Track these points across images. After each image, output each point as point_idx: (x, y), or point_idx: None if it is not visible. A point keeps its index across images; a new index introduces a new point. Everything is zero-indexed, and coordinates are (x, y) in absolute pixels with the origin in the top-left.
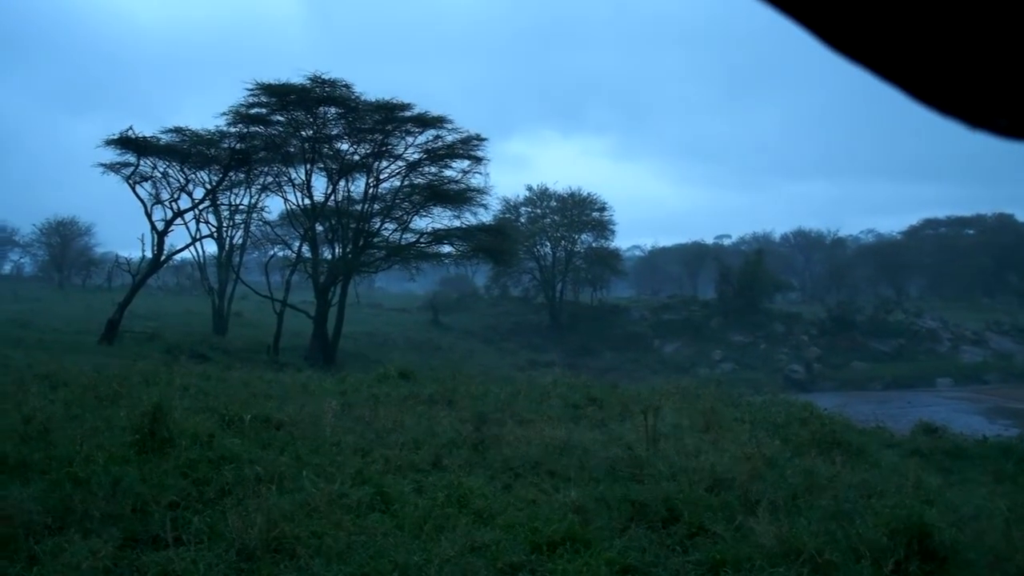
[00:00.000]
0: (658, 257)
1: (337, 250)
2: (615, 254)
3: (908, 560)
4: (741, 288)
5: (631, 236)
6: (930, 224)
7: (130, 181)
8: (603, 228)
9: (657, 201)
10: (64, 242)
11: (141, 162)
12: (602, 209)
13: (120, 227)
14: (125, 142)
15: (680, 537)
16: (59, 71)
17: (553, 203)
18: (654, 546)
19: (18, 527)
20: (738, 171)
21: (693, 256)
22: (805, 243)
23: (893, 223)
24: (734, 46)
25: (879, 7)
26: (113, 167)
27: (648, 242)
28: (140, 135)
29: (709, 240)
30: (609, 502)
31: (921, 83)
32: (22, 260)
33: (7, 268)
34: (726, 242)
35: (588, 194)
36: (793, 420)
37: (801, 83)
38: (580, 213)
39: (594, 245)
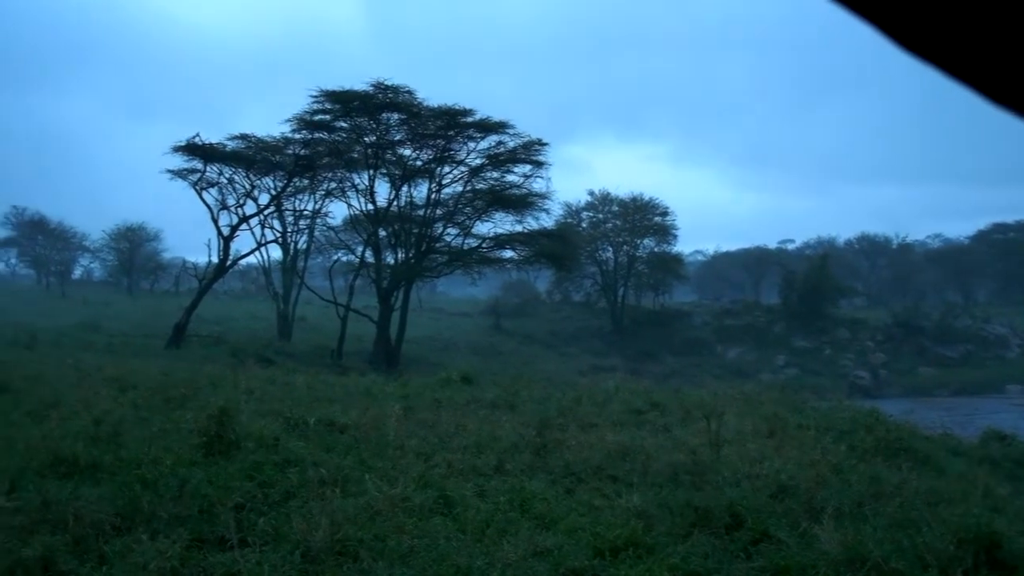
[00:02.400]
0: (720, 262)
1: (400, 255)
2: (677, 259)
3: (976, 570)
4: (805, 293)
5: (693, 241)
6: (999, 229)
7: (197, 187)
8: (665, 233)
9: (719, 206)
10: (132, 247)
11: (207, 168)
12: (664, 214)
13: (187, 232)
14: (192, 149)
15: (743, 543)
16: (127, 80)
17: (615, 208)
18: (717, 552)
19: (88, 527)
20: (802, 176)
21: (756, 261)
22: (870, 248)
23: (961, 228)
24: (798, 50)
25: (955, 6)
26: (180, 173)
27: (711, 247)
28: (206, 142)
29: (772, 245)
30: (672, 508)
31: (995, 84)
32: (92, 265)
33: (77, 273)
34: (790, 247)
35: (650, 199)
36: (858, 426)
37: (867, 86)
38: (642, 218)
39: (656, 250)
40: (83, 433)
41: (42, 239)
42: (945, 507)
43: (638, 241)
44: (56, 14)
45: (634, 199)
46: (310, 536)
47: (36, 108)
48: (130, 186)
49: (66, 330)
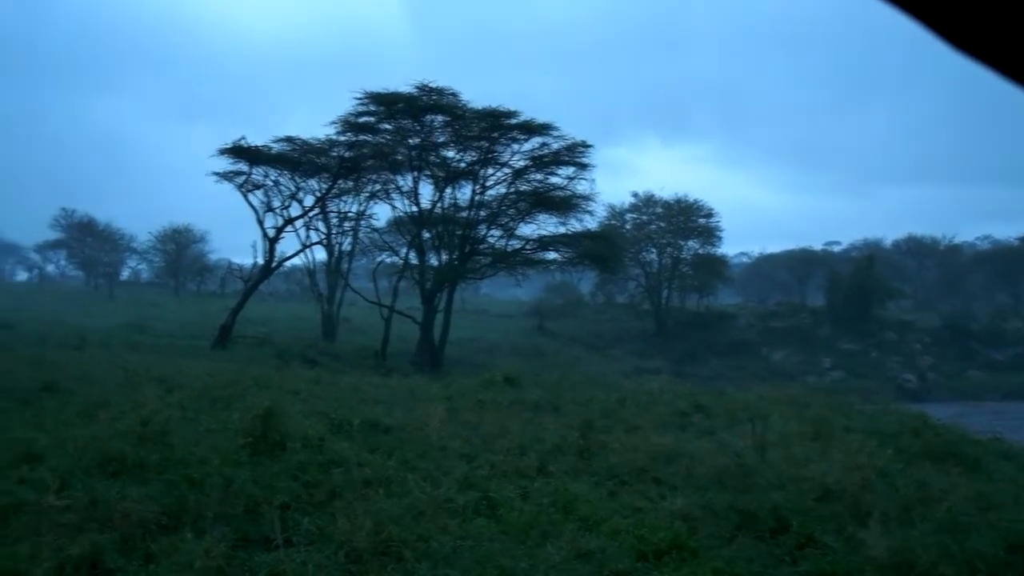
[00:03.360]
0: (765, 264)
1: (443, 257)
2: (722, 260)
3: None
4: (851, 295)
5: (738, 243)
6: None
7: (242, 189)
8: (710, 234)
9: (763, 207)
10: (179, 249)
11: (253, 171)
12: (708, 215)
13: (233, 234)
14: (238, 151)
15: (789, 547)
16: (175, 83)
17: (659, 209)
18: (762, 556)
19: (135, 526)
20: (848, 177)
21: (801, 263)
22: (918, 249)
23: (1011, 229)
24: (843, 49)
25: (1005, 4)
26: (226, 176)
27: (755, 249)
28: (252, 144)
29: (818, 246)
30: (716, 511)
31: None
32: (139, 267)
33: (125, 274)
34: (835, 249)
35: (694, 200)
36: (905, 430)
37: (913, 86)
38: (686, 219)
39: (700, 251)
40: (131, 433)
41: (91, 241)
42: (995, 512)
43: (682, 243)
44: (107, 19)
45: (678, 200)
46: (354, 536)
47: (85, 111)
48: (177, 188)
49: (114, 331)
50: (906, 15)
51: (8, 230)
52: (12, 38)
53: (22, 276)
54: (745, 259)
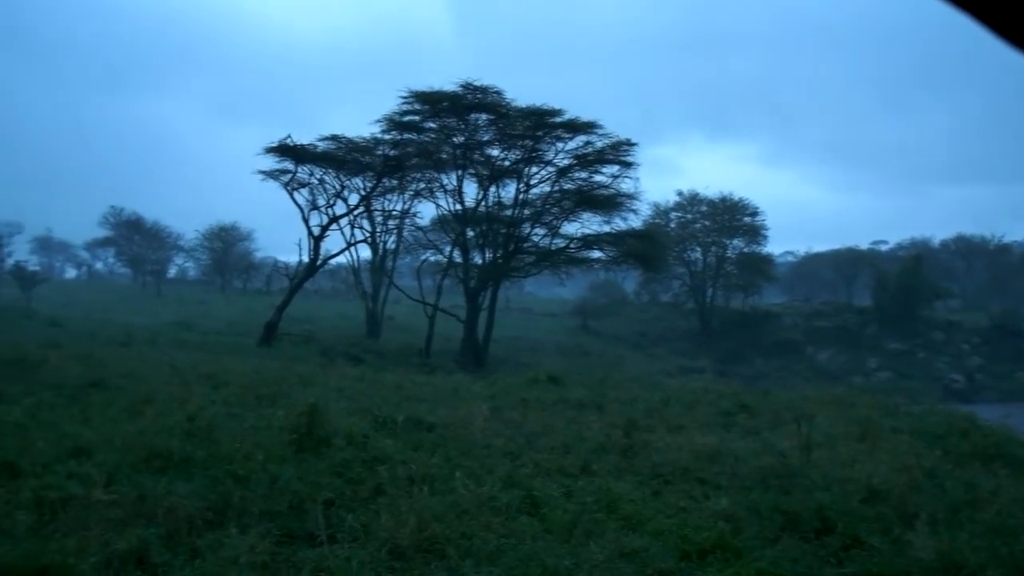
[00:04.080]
0: (811, 263)
1: (487, 255)
2: (767, 259)
3: None
4: (898, 295)
5: (783, 241)
6: None
7: (288, 188)
8: (755, 233)
9: (809, 206)
10: (226, 247)
11: (298, 169)
12: (754, 214)
13: (278, 232)
14: (283, 150)
15: (834, 549)
16: (222, 83)
17: (704, 208)
18: (807, 557)
19: (181, 521)
20: (895, 176)
21: (847, 262)
22: (966, 249)
23: None
24: (889, 48)
25: None
26: (272, 174)
27: (801, 248)
28: (298, 143)
29: (864, 246)
30: (760, 511)
31: None
32: (186, 264)
33: (172, 272)
34: (882, 248)
35: (739, 199)
36: (953, 431)
37: (963, 85)
38: (731, 218)
39: (746, 250)
40: (177, 429)
41: (138, 239)
42: None
43: (727, 241)
44: (154, 19)
45: (723, 199)
46: (398, 533)
47: (134, 110)
48: (224, 187)
49: (161, 328)
50: (961, 12)
51: (59, 228)
52: (63, 39)
53: (72, 273)
54: (791, 258)
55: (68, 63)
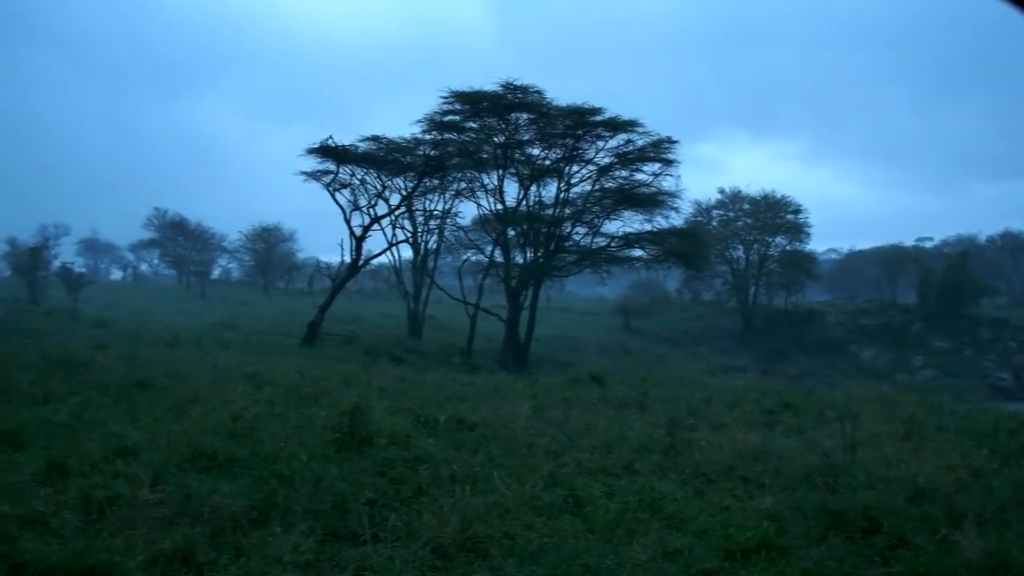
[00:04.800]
0: (855, 260)
1: (528, 254)
2: (810, 257)
3: None
4: (943, 292)
5: (826, 239)
6: None
7: (330, 188)
8: (798, 231)
9: (853, 203)
10: (268, 248)
11: (340, 170)
12: (797, 212)
13: (320, 233)
14: (325, 151)
15: (880, 548)
16: (264, 85)
17: (746, 206)
18: (852, 557)
19: (226, 520)
20: (939, 172)
21: (892, 259)
22: (1014, 245)
23: None
24: (934, 44)
25: None
26: (314, 175)
27: (844, 245)
28: (339, 144)
29: (909, 243)
30: (805, 510)
31: None
32: (229, 265)
33: (216, 273)
34: (927, 245)
35: (782, 196)
36: (1001, 429)
37: (1007, 79)
38: (774, 216)
39: (788, 248)
40: (221, 428)
41: (182, 240)
42: None
43: (770, 239)
44: (197, 23)
45: (765, 197)
46: (440, 532)
47: (177, 113)
48: (266, 188)
49: (205, 328)
50: (1012, 6)
51: (104, 230)
52: (108, 42)
53: (117, 275)
54: (834, 256)
55: (113, 66)
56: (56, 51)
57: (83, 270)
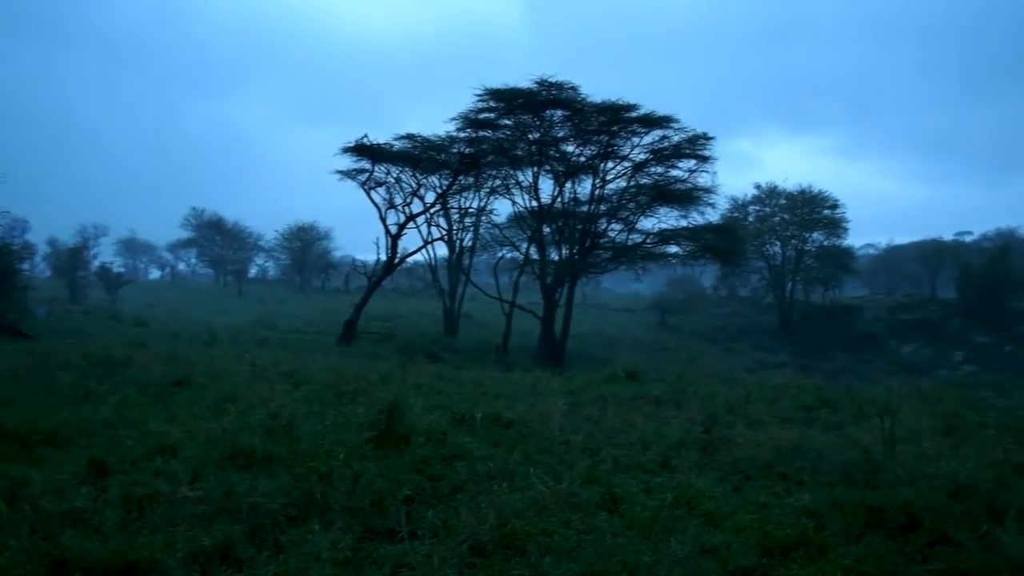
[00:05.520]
0: (893, 255)
1: (564, 251)
2: (848, 252)
3: None
4: (984, 287)
5: (864, 234)
6: None
7: (365, 187)
8: (835, 226)
9: (890, 198)
10: (304, 246)
11: (375, 168)
12: (834, 207)
13: (356, 231)
14: (360, 149)
15: (920, 545)
16: (300, 85)
17: (782, 201)
18: (892, 554)
19: (264, 517)
20: (980, 165)
21: (931, 254)
22: None
23: None
24: (970, 36)
25: None
26: (349, 174)
27: (882, 240)
28: (374, 142)
29: (948, 237)
30: (844, 507)
31: None
32: (266, 264)
33: (253, 272)
34: (967, 239)
35: (819, 191)
36: None
37: None
38: (811, 211)
39: (826, 243)
40: (260, 426)
41: (220, 239)
42: None
43: (807, 235)
44: (234, 25)
45: (802, 192)
46: (478, 530)
47: (215, 114)
48: (302, 187)
49: (243, 327)
50: None
51: (142, 230)
52: (146, 44)
53: (155, 274)
54: (872, 250)
55: (152, 68)
56: (96, 54)
57: (122, 270)
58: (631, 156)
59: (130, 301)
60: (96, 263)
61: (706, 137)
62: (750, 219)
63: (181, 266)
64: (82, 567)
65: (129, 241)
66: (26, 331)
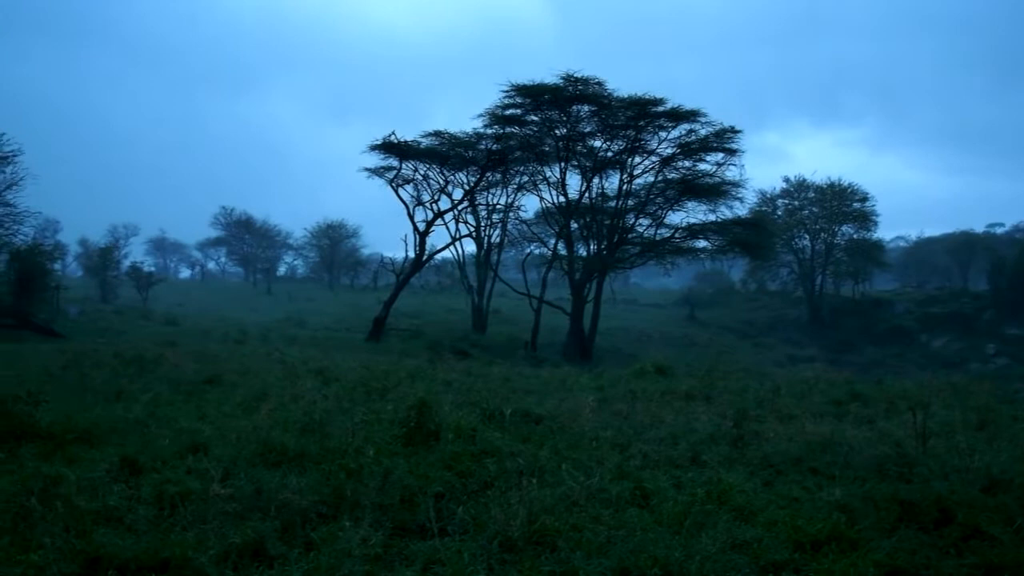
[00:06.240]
0: (924, 248)
1: (592, 247)
2: (878, 245)
3: None
4: (1016, 279)
5: (894, 227)
6: None
7: (393, 184)
8: (865, 219)
9: (920, 190)
10: (333, 244)
11: (403, 165)
12: (864, 199)
13: (384, 229)
14: (388, 147)
15: (953, 539)
16: (327, 84)
17: (811, 194)
18: (925, 548)
19: (295, 514)
20: (1011, 156)
21: (962, 246)
22: None
23: None
24: (1003, 27)
25: None
26: (377, 171)
27: (913, 232)
28: (402, 140)
29: (979, 229)
30: (876, 501)
31: None
32: (295, 262)
33: (282, 270)
34: (999, 231)
35: (848, 184)
36: None
37: None
38: (840, 204)
39: (855, 237)
40: (290, 424)
41: (249, 238)
42: None
43: (836, 228)
44: (261, 24)
45: (831, 185)
46: (508, 526)
47: (244, 113)
48: (330, 185)
49: (272, 325)
50: None
51: (172, 229)
52: (175, 43)
53: (185, 273)
54: (902, 243)
55: (181, 68)
56: (125, 55)
57: (152, 269)
58: (658, 150)
59: (161, 300)
60: (127, 263)
61: (733, 130)
62: (779, 213)
63: (211, 265)
64: (115, 564)
65: (159, 240)
66: (58, 330)
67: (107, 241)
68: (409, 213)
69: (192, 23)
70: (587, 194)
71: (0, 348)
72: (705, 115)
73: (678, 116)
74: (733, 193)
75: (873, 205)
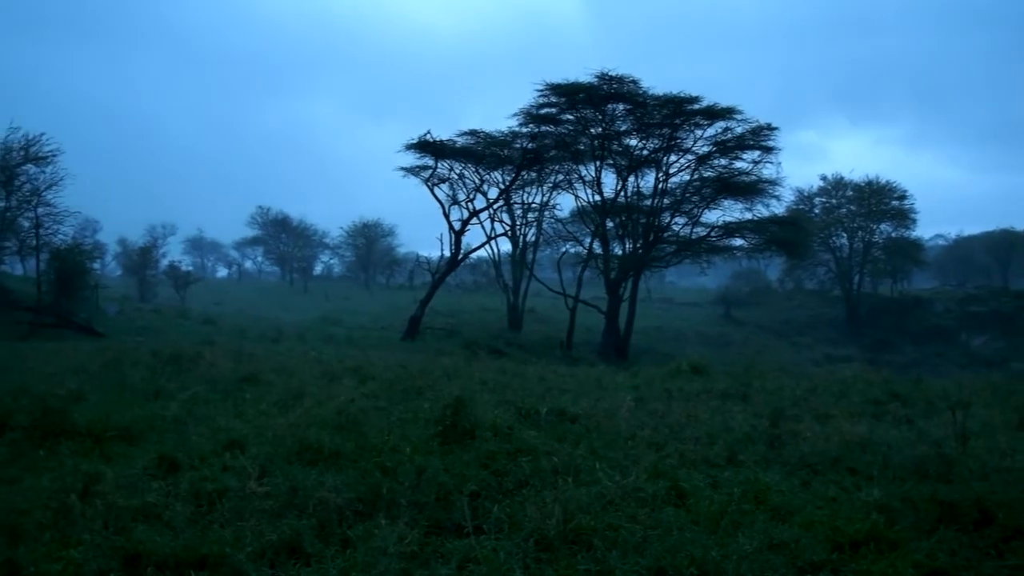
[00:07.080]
0: (963, 246)
1: (627, 245)
2: (916, 244)
3: None
4: None
5: (933, 224)
6: None
7: (428, 183)
8: (903, 217)
9: (960, 187)
10: (369, 243)
11: (438, 164)
12: (902, 197)
13: (420, 228)
14: (423, 146)
15: (994, 540)
16: (363, 83)
17: (849, 192)
18: (965, 549)
19: (332, 512)
20: None
21: (1002, 244)
22: None
23: None
24: None
25: None
26: (413, 170)
27: (952, 231)
28: (437, 139)
29: (1020, 227)
30: (915, 502)
31: None
32: (331, 261)
33: (318, 269)
34: None
35: (886, 182)
36: None
37: None
38: (878, 202)
39: (894, 235)
40: (327, 422)
41: (285, 237)
42: None
43: (874, 226)
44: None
45: (869, 183)
46: (543, 524)
47: (280, 113)
48: (366, 184)
49: (309, 324)
50: None
51: (209, 228)
52: (212, 44)
53: (222, 272)
54: (941, 242)
55: (220, 68)
56: (166, 55)
57: (190, 268)
58: (694, 149)
59: (198, 299)
60: (165, 262)
61: (770, 128)
62: (816, 211)
63: (248, 264)
64: (154, 561)
65: (197, 240)
66: (97, 329)
67: (145, 241)
68: (444, 212)
69: (235, 25)
70: (623, 193)
71: (41, 346)
72: (741, 112)
73: (714, 114)
74: (770, 191)
75: (912, 203)
